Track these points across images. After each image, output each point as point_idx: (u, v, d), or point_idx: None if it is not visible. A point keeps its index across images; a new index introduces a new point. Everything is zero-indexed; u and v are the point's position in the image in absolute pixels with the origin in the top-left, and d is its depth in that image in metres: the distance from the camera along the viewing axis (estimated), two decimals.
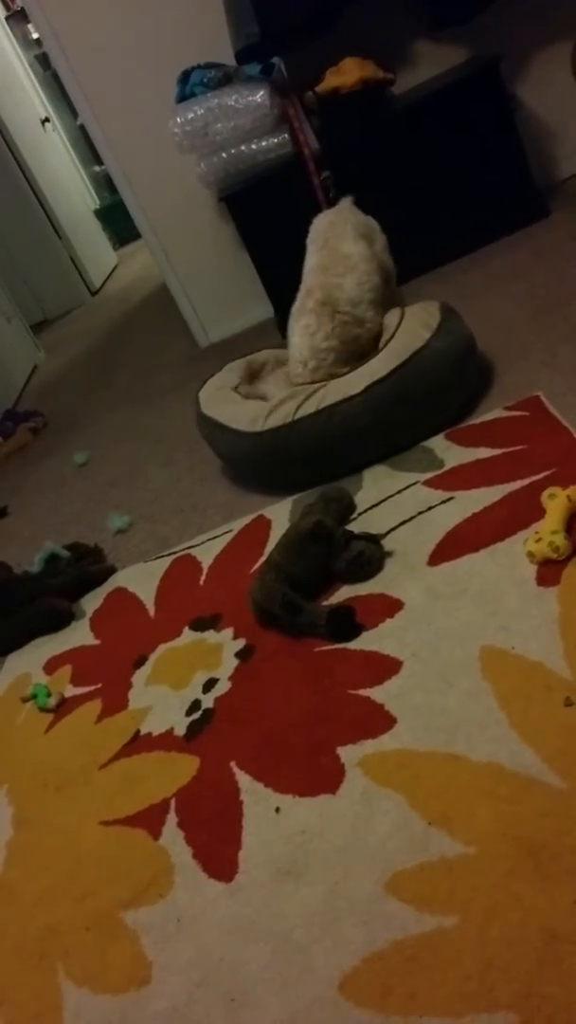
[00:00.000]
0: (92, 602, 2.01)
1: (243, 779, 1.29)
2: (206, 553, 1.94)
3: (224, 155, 2.85)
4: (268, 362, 2.29)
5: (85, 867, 1.29)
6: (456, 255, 2.97)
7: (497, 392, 2.00)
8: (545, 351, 2.06)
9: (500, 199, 2.90)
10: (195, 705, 1.49)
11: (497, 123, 2.80)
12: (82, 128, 6.12)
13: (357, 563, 1.57)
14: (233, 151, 2.84)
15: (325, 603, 1.55)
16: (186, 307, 3.45)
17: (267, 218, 2.89)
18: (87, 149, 6.73)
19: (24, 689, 1.80)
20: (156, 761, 1.42)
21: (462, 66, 2.95)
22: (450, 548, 1.54)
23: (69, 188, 6.25)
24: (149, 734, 1.49)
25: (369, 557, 1.57)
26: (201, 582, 1.85)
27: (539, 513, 1.47)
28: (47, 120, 6.19)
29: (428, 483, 1.77)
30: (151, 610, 1.86)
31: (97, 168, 6.91)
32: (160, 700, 1.56)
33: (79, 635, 1.91)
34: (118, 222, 6.56)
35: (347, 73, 2.72)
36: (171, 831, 1.26)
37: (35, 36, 6.15)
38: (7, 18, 6.15)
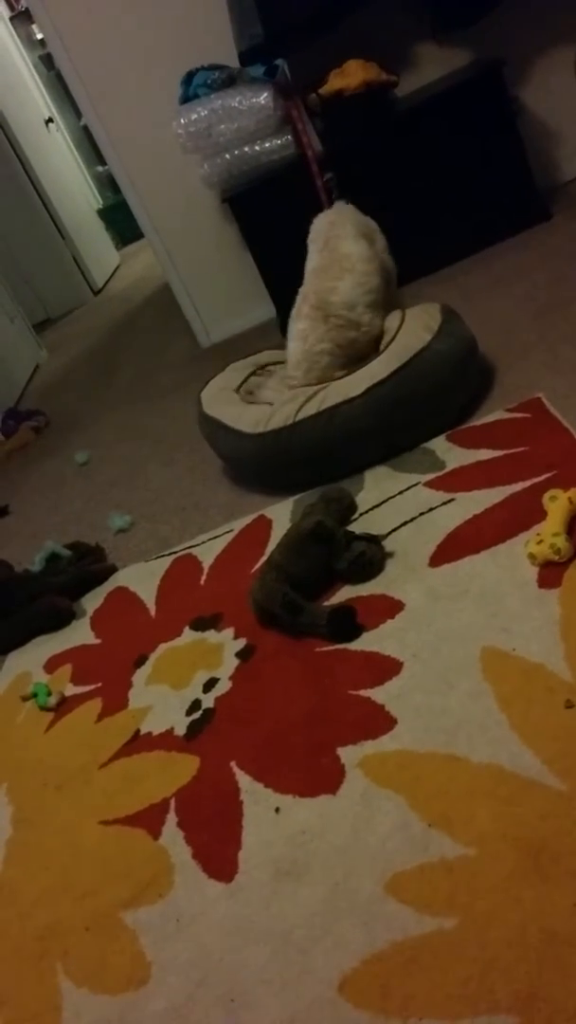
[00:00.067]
0: (93, 601, 2.01)
1: (243, 779, 1.29)
2: (207, 553, 1.94)
3: (227, 156, 2.85)
4: (268, 365, 2.29)
5: (85, 867, 1.29)
6: (458, 257, 2.97)
7: (498, 393, 2.00)
8: (546, 353, 2.06)
9: (502, 201, 2.90)
10: (195, 705, 1.49)
11: (499, 126, 2.80)
12: (85, 128, 6.12)
13: (358, 564, 1.57)
14: (236, 152, 2.85)
15: (326, 603, 1.55)
16: (188, 307, 3.45)
17: (270, 219, 2.89)
18: (90, 149, 6.73)
19: (24, 688, 1.80)
20: (156, 761, 1.42)
21: (465, 69, 2.95)
22: (451, 549, 1.54)
23: (72, 188, 6.26)
24: (149, 733, 1.49)
25: (370, 558, 1.57)
26: (202, 582, 1.85)
27: (540, 515, 1.47)
28: (51, 120, 6.19)
29: (429, 484, 1.77)
30: (152, 609, 1.86)
31: (100, 168, 6.92)
32: (160, 700, 1.56)
33: (80, 634, 1.91)
34: (121, 222, 6.57)
35: (350, 75, 2.73)
36: (171, 831, 1.26)
37: (39, 36, 6.16)
38: (11, 18, 6.16)
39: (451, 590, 1.44)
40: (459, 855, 1.03)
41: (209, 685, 1.52)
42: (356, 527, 1.72)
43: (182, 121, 2.80)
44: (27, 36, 6.36)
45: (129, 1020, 1.04)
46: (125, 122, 3.10)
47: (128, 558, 2.14)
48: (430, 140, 2.82)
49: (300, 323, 2.06)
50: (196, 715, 1.47)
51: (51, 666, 1.85)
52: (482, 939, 0.93)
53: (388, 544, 1.63)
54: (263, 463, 2.02)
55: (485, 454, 1.78)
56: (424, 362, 1.87)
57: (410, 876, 1.03)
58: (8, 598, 2.04)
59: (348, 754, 1.24)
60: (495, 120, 2.80)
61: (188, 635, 1.70)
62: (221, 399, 2.17)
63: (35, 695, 1.73)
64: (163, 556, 2.04)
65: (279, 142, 2.83)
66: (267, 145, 2.84)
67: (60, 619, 1.98)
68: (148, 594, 1.91)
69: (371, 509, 1.79)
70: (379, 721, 1.26)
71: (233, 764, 1.33)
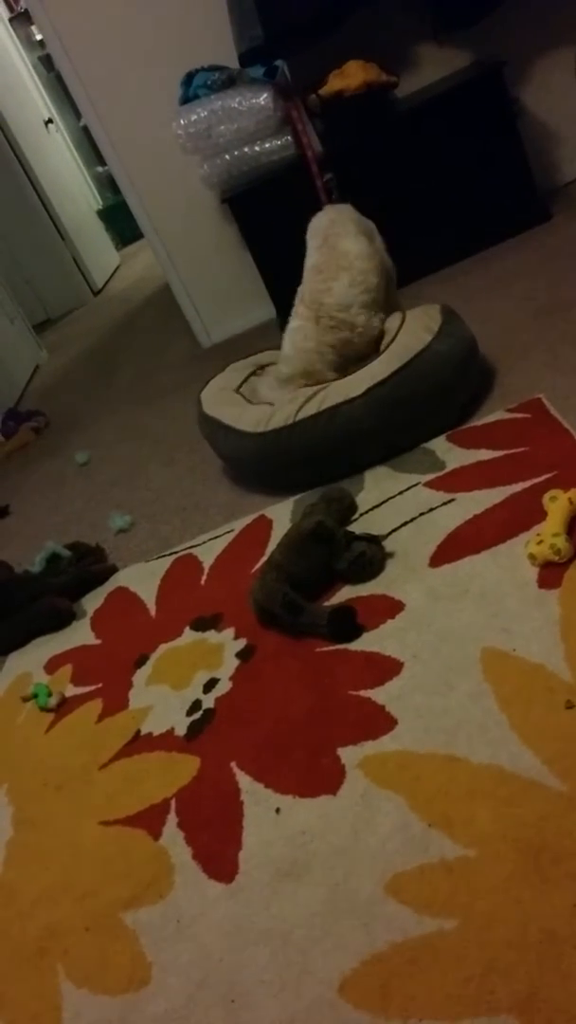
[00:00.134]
0: (93, 602, 2.01)
1: (243, 779, 1.29)
2: (207, 553, 1.94)
3: (227, 157, 2.85)
4: (268, 365, 2.30)
5: (85, 867, 1.29)
6: (458, 258, 2.98)
7: (498, 394, 2.00)
8: (547, 353, 2.06)
9: (502, 202, 2.90)
10: (196, 705, 1.49)
11: (499, 127, 2.80)
12: (85, 129, 6.12)
13: (358, 564, 1.57)
14: (236, 153, 2.85)
15: (326, 603, 1.55)
16: (188, 307, 3.45)
17: (270, 220, 2.89)
18: (90, 150, 6.74)
19: (25, 689, 1.80)
20: (156, 761, 1.42)
21: (465, 70, 2.95)
22: (451, 550, 1.54)
23: (72, 189, 6.26)
24: (150, 734, 1.49)
25: (370, 558, 1.57)
26: (202, 582, 1.85)
27: (540, 515, 1.47)
28: (50, 121, 6.19)
29: (429, 484, 1.77)
30: (152, 610, 1.86)
31: (100, 169, 6.92)
32: (161, 700, 1.56)
33: (80, 635, 1.91)
34: (121, 222, 6.57)
35: (350, 76, 2.73)
36: (171, 831, 1.26)
37: (39, 38, 6.16)
38: (11, 20, 6.16)
39: (451, 590, 1.44)
40: (459, 856, 1.03)
41: (209, 685, 1.52)
42: (356, 527, 1.72)
43: (182, 122, 2.81)
44: (26, 37, 6.36)
45: (129, 1021, 1.04)
46: (125, 123, 3.10)
47: (128, 558, 2.14)
48: (430, 141, 2.82)
49: (294, 321, 2.07)
50: (196, 715, 1.47)
51: (51, 667, 1.85)
52: (482, 940, 0.93)
53: (388, 544, 1.63)
54: (263, 463, 2.02)
55: (485, 454, 1.78)
56: (424, 362, 1.87)
57: (410, 877, 1.03)
58: (8, 599, 2.04)
59: (348, 754, 1.24)
60: (495, 121, 2.80)
61: (188, 635, 1.70)
62: (221, 399, 2.17)
63: (35, 696, 1.73)
64: (163, 556, 2.04)
65: (279, 143, 2.84)
66: (267, 146, 2.84)
67: (60, 620, 1.98)
68: (148, 594, 1.91)
69: (371, 509, 1.79)
70: (379, 721, 1.26)
71: (233, 764, 1.33)
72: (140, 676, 1.66)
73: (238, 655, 1.56)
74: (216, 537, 1.99)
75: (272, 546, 1.79)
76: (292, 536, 1.63)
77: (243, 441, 2.03)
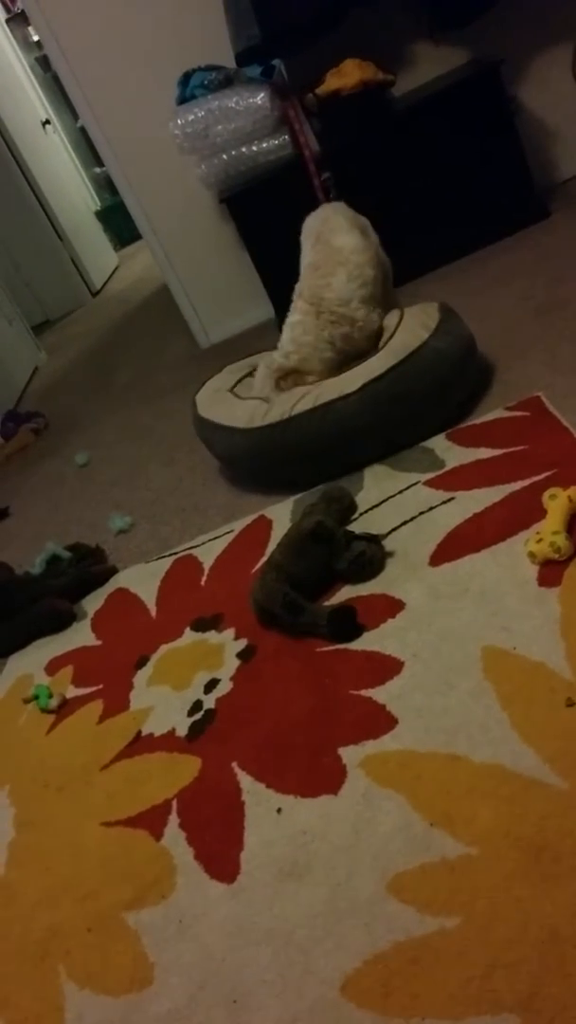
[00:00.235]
0: (93, 603, 2.01)
1: (245, 780, 1.29)
2: (207, 553, 1.94)
3: (225, 157, 2.85)
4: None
5: (87, 868, 1.29)
6: (456, 256, 2.97)
7: (498, 392, 2.00)
8: (545, 351, 2.06)
9: (500, 200, 2.90)
10: (197, 706, 1.49)
11: (497, 125, 2.80)
12: (83, 130, 6.13)
13: (358, 563, 1.57)
14: (234, 153, 2.85)
15: (326, 603, 1.55)
16: (187, 308, 3.45)
17: (268, 219, 2.89)
18: (88, 151, 6.74)
19: (26, 690, 1.80)
20: (158, 762, 1.42)
21: (462, 68, 2.95)
22: (451, 548, 1.54)
23: (70, 190, 6.26)
24: (151, 735, 1.49)
25: (370, 557, 1.57)
26: (202, 582, 1.85)
27: (540, 514, 1.47)
28: (48, 122, 6.19)
29: (429, 483, 1.77)
30: (152, 611, 1.86)
31: (98, 170, 6.92)
32: (162, 701, 1.56)
33: (80, 636, 1.91)
34: (119, 223, 6.57)
35: (347, 75, 2.73)
36: (173, 832, 1.26)
37: (35, 38, 6.15)
38: (7, 20, 6.16)
39: (451, 589, 1.44)
40: (461, 854, 1.03)
41: (210, 686, 1.52)
42: (356, 527, 1.72)
43: (179, 122, 2.80)
44: (23, 38, 6.36)
45: (131, 1021, 1.04)
46: (122, 123, 3.10)
47: (128, 559, 2.14)
48: (428, 139, 2.82)
49: (294, 316, 2.06)
50: (197, 716, 1.47)
51: (52, 668, 1.85)
52: (484, 939, 0.93)
53: (388, 543, 1.63)
54: (258, 459, 2.02)
55: (485, 453, 1.78)
56: (421, 359, 1.87)
57: (412, 876, 1.03)
58: (9, 600, 2.04)
59: (349, 754, 1.24)
60: (493, 119, 2.79)
61: (189, 636, 1.70)
62: (215, 400, 2.17)
63: (36, 697, 1.73)
64: (164, 557, 2.04)
65: (276, 142, 2.84)
66: (264, 145, 2.84)
67: (61, 621, 1.98)
68: (149, 595, 1.91)
69: (371, 508, 1.79)
70: (380, 721, 1.26)
71: (235, 765, 1.33)
72: (141, 677, 1.66)
73: (239, 655, 1.56)
74: (216, 538, 1.99)
75: (272, 546, 1.79)
76: (292, 536, 1.63)
77: (236, 438, 2.02)
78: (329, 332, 2.02)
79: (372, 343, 2.05)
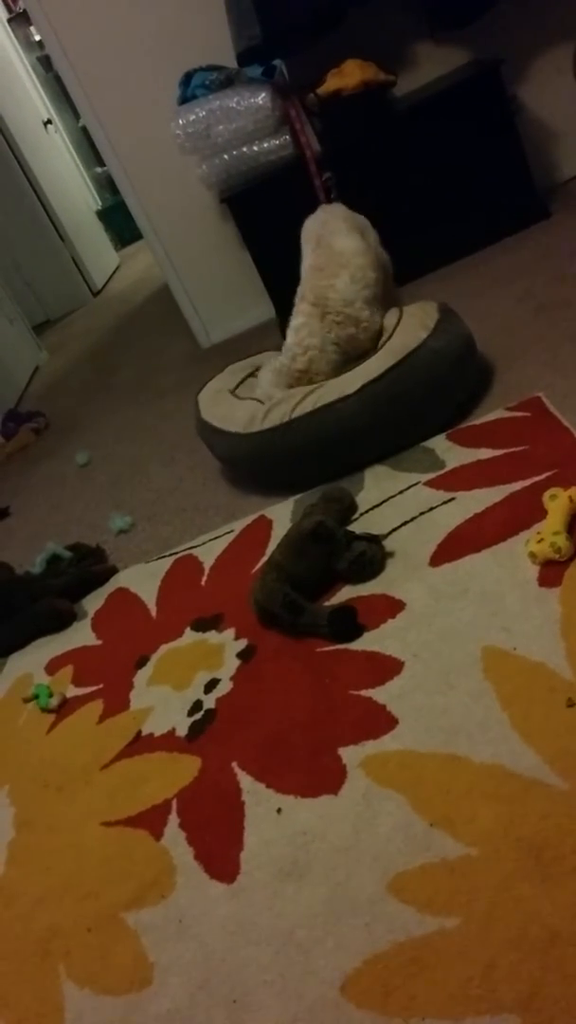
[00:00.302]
0: (94, 602, 2.01)
1: (245, 780, 1.29)
2: (208, 553, 1.94)
3: (226, 157, 2.85)
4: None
5: (87, 868, 1.29)
6: (457, 256, 2.97)
7: (498, 392, 2.00)
8: (546, 352, 2.06)
9: (501, 200, 2.90)
10: (197, 705, 1.49)
11: (498, 125, 2.80)
12: (84, 130, 6.13)
13: (359, 563, 1.57)
14: (235, 153, 2.85)
15: (326, 603, 1.55)
16: (188, 308, 3.45)
17: (269, 219, 2.89)
18: (89, 150, 6.74)
19: (26, 690, 1.80)
20: (158, 762, 1.42)
21: (463, 68, 2.95)
22: (452, 549, 1.54)
23: (71, 189, 6.26)
24: (151, 735, 1.49)
25: (371, 558, 1.57)
26: (203, 582, 1.85)
27: (541, 514, 1.47)
28: (49, 122, 6.19)
29: (429, 483, 1.77)
30: (153, 610, 1.86)
31: (99, 169, 6.92)
32: (162, 701, 1.56)
33: (81, 636, 1.91)
34: (120, 223, 6.57)
35: (348, 75, 2.73)
36: (173, 832, 1.26)
37: (37, 38, 6.15)
38: (9, 20, 6.16)
39: (452, 589, 1.44)
40: (461, 855, 1.03)
41: (210, 686, 1.52)
42: (356, 527, 1.72)
43: (180, 122, 2.81)
44: (25, 38, 6.36)
45: (132, 1021, 1.04)
46: (124, 123, 3.10)
47: (129, 559, 2.14)
48: (429, 139, 2.82)
49: (298, 319, 2.06)
50: (197, 716, 1.47)
51: (52, 668, 1.85)
52: (484, 939, 0.93)
53: (388, 544, 1.63)
54: (259, 462, 2.02)
55: (485, 453, 1.78)
56: (420, 359, 1.87)
57: (412, 876, 1.03)
58: (9, 600, 2.04)
59: (349, 754, 1.24)
60: (494, 119, 2.79)
61: (189, 636, 1.70)
62: (217, 401, 2.17)
63: (36, 697, 1.73)
64: (164, 557, 2.04)
65: (277, 142, 2.83)
66: (265, 145, 2.84)
67: (61, 621, 1.98)
68: (149, 595, 1.91)
69: (371, 509, 1.79)
70: (380, 721, 1.26)
71: (235, 765, 1.33)
72: (141, 677, 1.66)
73: (239, 655, 1.56)
74: (216, 538, 1.99)
75: (272, 546, 1.79)
76: (292, 536, 1.63)
77: (238, 442, 2.03)
78: (335, 333, 2.02)
79: (374, 343, 2.05)
